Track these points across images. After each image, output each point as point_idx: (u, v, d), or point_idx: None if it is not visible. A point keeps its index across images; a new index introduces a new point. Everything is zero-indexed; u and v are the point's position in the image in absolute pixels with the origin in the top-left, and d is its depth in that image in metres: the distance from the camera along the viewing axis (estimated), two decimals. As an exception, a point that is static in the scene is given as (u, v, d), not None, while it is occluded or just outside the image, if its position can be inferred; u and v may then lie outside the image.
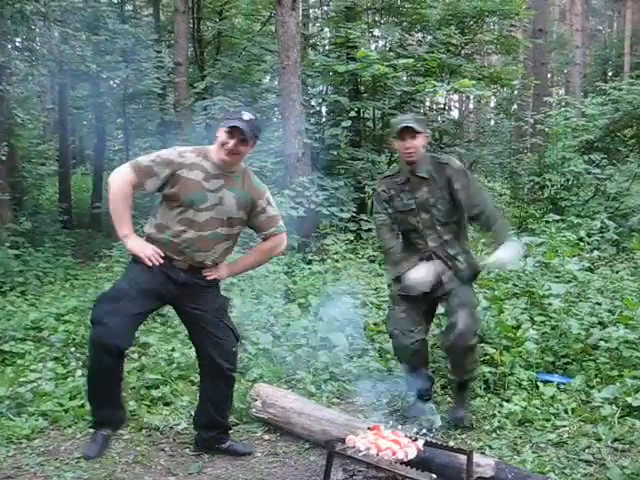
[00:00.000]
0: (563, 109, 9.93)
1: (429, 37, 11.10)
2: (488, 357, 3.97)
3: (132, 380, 3.86)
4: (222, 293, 3.24)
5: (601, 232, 7.29)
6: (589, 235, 6.80)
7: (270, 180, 7.98)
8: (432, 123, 10.98)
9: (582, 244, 6.38)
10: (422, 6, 11.22)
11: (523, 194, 9.74)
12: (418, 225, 3.45)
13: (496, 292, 4.89)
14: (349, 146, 10.18)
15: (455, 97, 19.84)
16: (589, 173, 8.83)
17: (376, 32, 12.37)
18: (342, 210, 8.40)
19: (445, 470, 2.65)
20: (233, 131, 2.91)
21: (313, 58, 11.21)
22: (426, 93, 9.23)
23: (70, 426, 3.44)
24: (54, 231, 10.38)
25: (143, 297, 2.94)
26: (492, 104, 19.80)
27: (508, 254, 3.39)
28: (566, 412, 3.48)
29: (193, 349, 3.26)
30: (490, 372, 3.81)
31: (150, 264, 2.93)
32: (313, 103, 10.77)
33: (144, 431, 3.42)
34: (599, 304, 4.73)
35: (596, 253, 6.56)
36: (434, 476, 2.41)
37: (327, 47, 13.04)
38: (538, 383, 3.75)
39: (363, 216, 8.78)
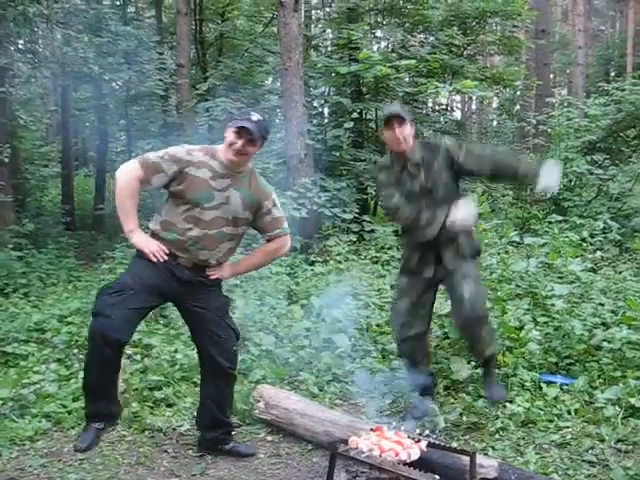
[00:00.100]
0: (565, 110, 9.92)
1: (431, 38, 11.09)
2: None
3: (135, 381, 3.86)
4: (224, 294, 3.24)
5: (604, 233, 7.28)
6: (592, 236, 6.80)
7: (273, 181, 7.88)
8: (435, 124, 10.99)
9: (585, 245, 6.37)
10: (424, 7, 11.25)
11: (526, 195, 9.70)
12: (420, 209, 3.45)
13: (499, 293, 4.88)
14: (351, 147, 10.19)
15: (457, 98, 19.80)
16: (592, 174, 8.81)
17: (378, 33, 12.40)
18: (345, 211, 8.41)
19: (448, 471, 2.65)
20: (241, 131, 2.92)
21: (315, 59, 11.23)
22: (428, 94, 9.24)
23: (73, 427, 3.43)
24: (57, 233, 10.38)
25: (146, 292, 2.95)
26: (494, 105, 19.84)
27: (552, 176, 3.36)
28: (569, 413, 3.47)
29: (195, 350, 3.27)
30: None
31: (154, 260, 2.94)
32: (315, 104, 10.79)
33: (147, 432, 3.42)
34: (602, 305, 4.72)
35: (599, 254, 6.55)
36: (437, 477, 2.41)
37: (329, 48, 13.03)
38: (541, 384, 3.74)
39: (366, 217, 8.78)
